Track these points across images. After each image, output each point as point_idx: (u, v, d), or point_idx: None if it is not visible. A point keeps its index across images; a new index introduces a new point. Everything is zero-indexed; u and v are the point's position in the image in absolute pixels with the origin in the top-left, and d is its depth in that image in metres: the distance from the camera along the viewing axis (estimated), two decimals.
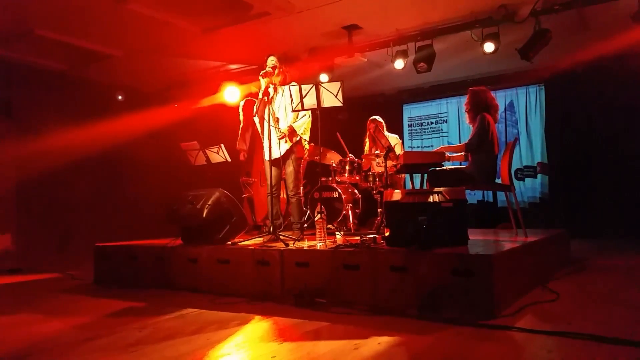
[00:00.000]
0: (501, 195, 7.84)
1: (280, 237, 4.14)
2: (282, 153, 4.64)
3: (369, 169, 5.75)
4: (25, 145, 6.81)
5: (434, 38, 6.05)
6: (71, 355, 2.48)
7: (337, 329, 2.79)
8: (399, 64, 6.29)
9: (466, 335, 2.56)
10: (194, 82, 7.98)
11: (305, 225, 5.35)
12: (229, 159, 5.56)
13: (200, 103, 8.05)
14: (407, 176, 5.34)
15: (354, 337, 2.58)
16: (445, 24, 5.98)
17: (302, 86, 4.17)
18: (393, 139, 5.85)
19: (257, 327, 2.92)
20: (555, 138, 7.82)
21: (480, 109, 4.41)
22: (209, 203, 4.24)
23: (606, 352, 2.20)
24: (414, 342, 2.48)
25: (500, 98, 8.15)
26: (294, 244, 3.98)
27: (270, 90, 4.62)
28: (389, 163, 4.66)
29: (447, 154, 4.53)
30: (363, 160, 5.68)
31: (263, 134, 4.75)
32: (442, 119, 8.90)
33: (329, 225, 5.32)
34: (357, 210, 5.65)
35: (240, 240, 4.38)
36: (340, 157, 5.82)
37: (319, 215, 3.96)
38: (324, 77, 6.53)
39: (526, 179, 8.05)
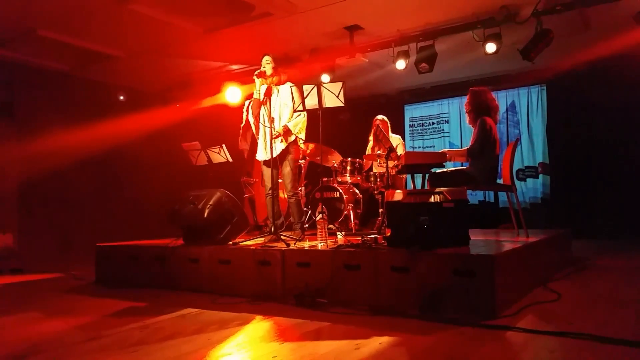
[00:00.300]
0: (503, 196, 7.84)
1: (282, 237, 4.14)
2: (278, 153, 4.58)
3: (370, 169, 5.75)
4: (27, 145, 6.83)
5: (436, 38, 6.04)
6: (72, 355, 2.49)
7: (338, 329, 2.79)
8: (401, 64, 6.29)
9: (467, 336, 2.55)
10: (195, 82, 7.99)
11: (306, 225, 5.35)
12: (230, 159, 5.57)
13: (201, 103, 8.06)
14: (409, 176, 5.34)
15: (355, 337, 2.58)
16: (447, 25, 5.98)
17: (304, 86, 4.17)
18: (396, 139, 5.86)
19: (258, 327, 2.92)
20: (556, 138, 7.81)
21: (481, 110, 4.41)
22: (211, 203, 4.24)
23: (607, 353, 2.19)
24: (415, 342, 2.48)
25: (502, 98, 8.15)
26: (295, 244, 3.98)
27: (263, 90, 4.57)
28: (390, 163, 4.66)
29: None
30: (364, 160, 5.68)
31: (258, 134, 4.72)
32: (444, 119, 8.89)
33: (330, 226, 5.32)
34: (359, 211, 5.65)
35: (242, 240, 4.38)
36: (341, 158, 5.83)
37: (320, 216, 3.96)
38: (325, 78, 6.53)
39: (528, 180, 8.05)
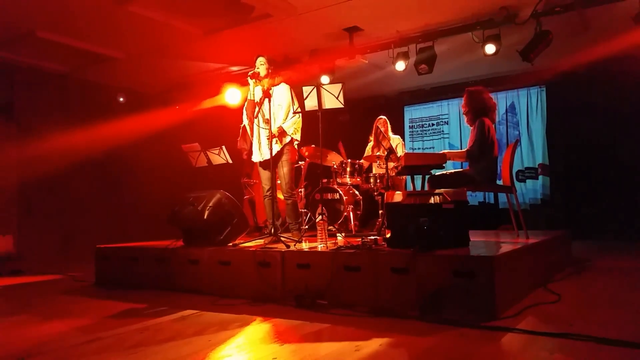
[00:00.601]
0: (502, 197, 7.84)
1: (282, 238, 4.14)
2: (274, 154, 4.53)
3: (370, 170, 5.75)
4: (27, 147, 6.84)
5: (435, 40, 6.06)
6: (72, 357, 2.48)
7: (338, 331, 2.79)
8: (400, 65, 6.30)
9: (468, 337, 2.55)
10: (195, 83, 8.00)
11: (306, 226, 5.35)
12: (230, 161, 5.57)
13: (201, 105, 8.07)
14: (408, 178, 5.34)
15: (355, 338, 2.58)
16: (446, 26, 5.99)
17: (304, 88, 4.16)
18: (395, 139, 5.86)
19: (258, 329, 2.92)
20: (556, 139, 7.82)
21: (478, 110, 4.40)
22: (210, 205, 4.24)
23: (608, 354, 2.19)
24: (415, 344, 2.47)
25: (502, 99, 8.16)
26: (295, 245, 3.98)
27: (257, 90, 4.55)
28: (390, 165, 4.66)
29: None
30: (363, 161, 5.68)
31: (253, 135, 4.70)
32: (443, 120, 8.90)
33: (330, 227, 5.32)
34: (358, 212, 5.65)
35: (242, 241, 4.38)
36: (341, 159, 5.83)
37: (320, 217, 3.96)
38: (325, 79, 6.54)
39: (527, 181, 8.05)
